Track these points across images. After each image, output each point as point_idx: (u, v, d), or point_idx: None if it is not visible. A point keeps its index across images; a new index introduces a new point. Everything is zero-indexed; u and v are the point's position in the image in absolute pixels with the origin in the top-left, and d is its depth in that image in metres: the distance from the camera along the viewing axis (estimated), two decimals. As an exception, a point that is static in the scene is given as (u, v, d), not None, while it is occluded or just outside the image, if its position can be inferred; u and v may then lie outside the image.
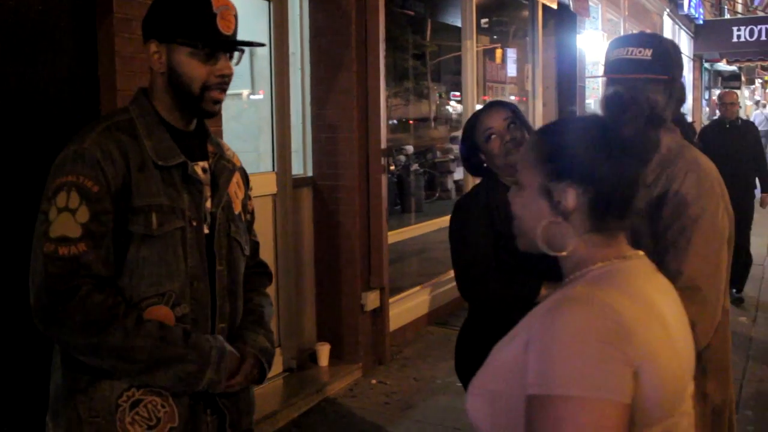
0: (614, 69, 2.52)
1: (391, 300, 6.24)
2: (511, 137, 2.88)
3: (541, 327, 1.41)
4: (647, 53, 2.44)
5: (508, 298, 2.76)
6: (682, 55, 2.61)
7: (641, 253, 1.58)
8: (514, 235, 2.66)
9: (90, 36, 3.50)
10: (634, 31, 13.96)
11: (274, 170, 5.32)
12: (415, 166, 10.30)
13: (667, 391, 1.41)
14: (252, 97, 5.88)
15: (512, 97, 9.91)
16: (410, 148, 10.76)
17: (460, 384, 3.00)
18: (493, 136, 2.90)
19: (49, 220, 1.94)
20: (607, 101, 1.54)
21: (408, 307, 6.71)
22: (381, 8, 5.64)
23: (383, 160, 5.75)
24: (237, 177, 2.34)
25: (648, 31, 16.19)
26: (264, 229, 5.06)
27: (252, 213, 2.44)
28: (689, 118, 22.50)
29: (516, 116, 2.94)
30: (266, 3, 5.36)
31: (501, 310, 2.77)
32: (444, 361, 5.81)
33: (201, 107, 2.12)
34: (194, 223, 2.11)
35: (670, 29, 18.82)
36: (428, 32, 9.05)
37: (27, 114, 3.15)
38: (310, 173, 5.76)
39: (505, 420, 1.45)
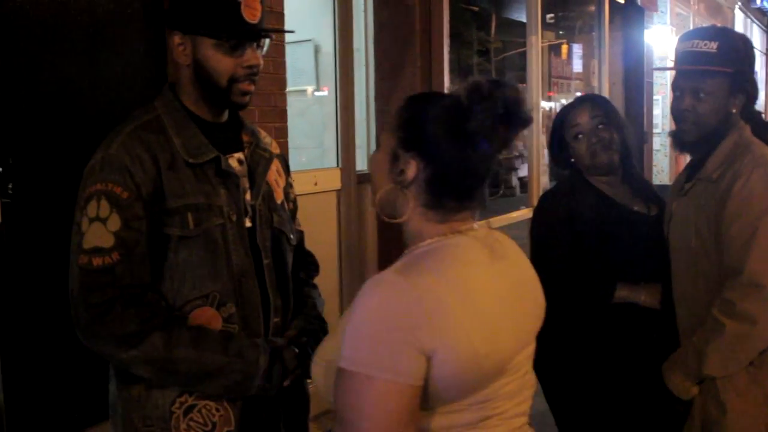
0: (680, 61, 2.51)
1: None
2: (598, 138, 2.77)
3: (356, 302, 1.48)
4: (713, 46, 2.42)
5: (583, 298, 2.73)
6: (755, 50, 2.56)
7: (478, 227, 1.62)
8: (596, 234, 2.66)
9: (159, 35, 3.56)
10: (704, 26, 13.73)
11: (338, 166, 5.35)
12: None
13: (472, 372, 1.46)
14: (317, 93, 5.93)
15: (578, 93, 9.80)
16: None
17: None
18: (580, 136, 2.80)
19: (82, 231, 1.89)
20: (468, 89, 1.55)
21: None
22: (445, 3, 5.65)
23: (447, 157, 5.74)
24: (276, 164, 2.25)
25: (719, 25, 15.88)
26: (328, 224, 5.10)
27: (295, 201, 2.35)
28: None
29: (606, 115, 2.82)
30: (330, -1, 5.40)
31: (577, 310, 2.76)
32: None
33: (230, 100, 2.03)
34: (234, 218, 2.03)
35: (741, 23, 18.42)
36: (493, 28, 9.01)
37: (97, 113, 3.21)
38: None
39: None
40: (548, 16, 9.07)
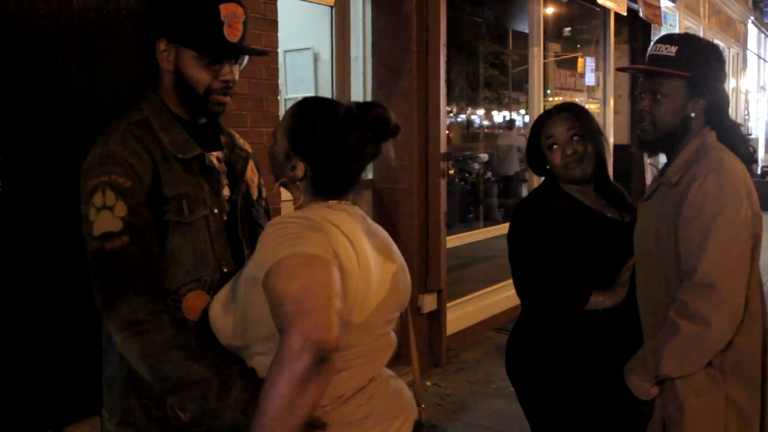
0: (645, 64, 2.56)
1: (451, 304, 6.29)
2: (572, 151, 2.80)
3: (261, 239, 1.80)
4: (672, 50, 2.47)
5: (558, 302, 2.78)
6: (720, 57, 2.59)
7: (353, 207, 1.98)
8: (569, 241, 2.71)
9: (151, 41, 3.62)
10: (715, 40, 13.71)
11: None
12: (488, 174, 10.30)
13: (353, 296, 1.78)
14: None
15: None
16: (485, 156, 10.75)
17: (513, 389, 3.03)
18: (554, 146, 2.84)
19: (90, 220, 1.99)
20: (344, 112, 1.88)
21: (469, 311, 6.73)
22: (443, 13, 5.70)
23: (442, 164, 5.79)
24: (251, 164, 2.39)
25: (732, 40, 15.85)
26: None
27: (266, 199, 2.49)
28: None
29: (582, 127, 2.84)
30: (329, 8, 5.46)
31: (552, 312, 2.81)
32: (500, 366, 5.70)
33: (206, 107, 2.18)
34: (216, 211, 2.16)
35: (755, 37, 18.39)
36: (510, 41, 9.04)
37: (88, 116, 3.26)
38: (369, 176, 5.82)
39: (233, 318, 1.87)
40: (555, 28, 9.10)
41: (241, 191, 2.29)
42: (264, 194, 2.50)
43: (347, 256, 1.79)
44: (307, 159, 1.90)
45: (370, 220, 2.03)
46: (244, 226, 2.27)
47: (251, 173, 2.39)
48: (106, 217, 1.98)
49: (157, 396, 2.05)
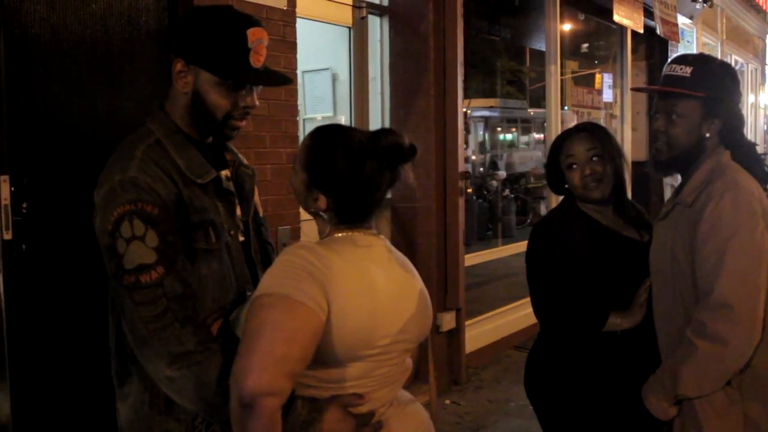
0: (660, 84, 2.57)
1: (470, 322, 6.29)
2: (591, 171, 2.81)
3: (277, 259, 1.84)
4: (687, 71, 2.49)
5: (576, 323, 2.78)
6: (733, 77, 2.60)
7: (377, 237, 1.97)
8: (587, 261, 2.71)
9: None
10: (733, 55, 13.68)
11: (353, 191, 5.42)
12: (506, 192, 10.31)
13: (354, 335, 1.79)
14: (334, 120, 6.03)
15: (602, 123, 9.80)
16: (503, 174, 10.76)
17: (533, 408, 3.03)
18: (574, 166, 2.84)
19: (119, 253, 1.88)
20: (357, 144, 1.87)
21: (487, 329, 6.72)
22: (460, 32, 5.74)
23: (460, 183, 5.82)
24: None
25: (750, 55, 15.81)
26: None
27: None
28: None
29: (602, 147, 2.84)
30: (347, 29, 5.51)
31: (570, 333, 2.82)
32: (520, 385, 5.68)
33: (221, 132, 2.11)
34: (232, 233, 2.10)
35: (773, 53, 18.29)
36: (528, 58, 9.08)
37: (110, 138, 3.31)
38: (388, 195, 5.79)
39: None
40: (572, 46, 9.12)
41: (251, 212, 2.25)
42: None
43: (348, 299, 1.78)
44: (327, 192, 1.89)
45: (394, 250, 2.01)
46: (256, 246, 2.23)
47: (256, 191, 2.34)
48: (138, 248, 1.88)
49: (182, 431, 2.01)
